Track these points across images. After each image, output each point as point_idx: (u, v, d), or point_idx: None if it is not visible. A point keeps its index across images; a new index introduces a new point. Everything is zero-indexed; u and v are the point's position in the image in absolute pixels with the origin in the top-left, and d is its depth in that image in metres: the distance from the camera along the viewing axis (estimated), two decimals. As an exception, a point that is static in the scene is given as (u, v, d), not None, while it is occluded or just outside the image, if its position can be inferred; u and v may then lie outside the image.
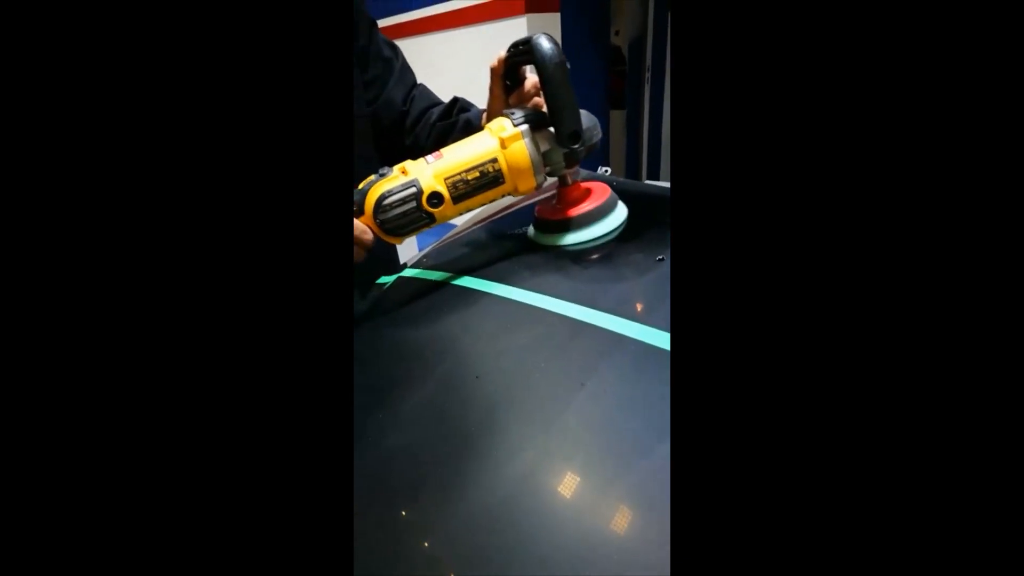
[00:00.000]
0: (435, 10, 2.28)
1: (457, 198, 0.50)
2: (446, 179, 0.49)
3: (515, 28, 2.01)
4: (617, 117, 2.82)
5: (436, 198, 0.49)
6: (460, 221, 0.68)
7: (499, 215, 0.70)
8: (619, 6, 2.60)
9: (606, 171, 0.79)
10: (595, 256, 0.51)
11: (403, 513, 0.32)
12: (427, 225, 0.51)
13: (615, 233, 0.52)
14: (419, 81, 0.80)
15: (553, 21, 2.06)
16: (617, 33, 2.65)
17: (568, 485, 0.31)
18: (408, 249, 0.80)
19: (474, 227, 0.68)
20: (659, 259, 0.47)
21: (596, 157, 0.60)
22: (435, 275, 0.57)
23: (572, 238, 0.52)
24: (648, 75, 2.61)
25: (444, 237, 0.70)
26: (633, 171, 2.84)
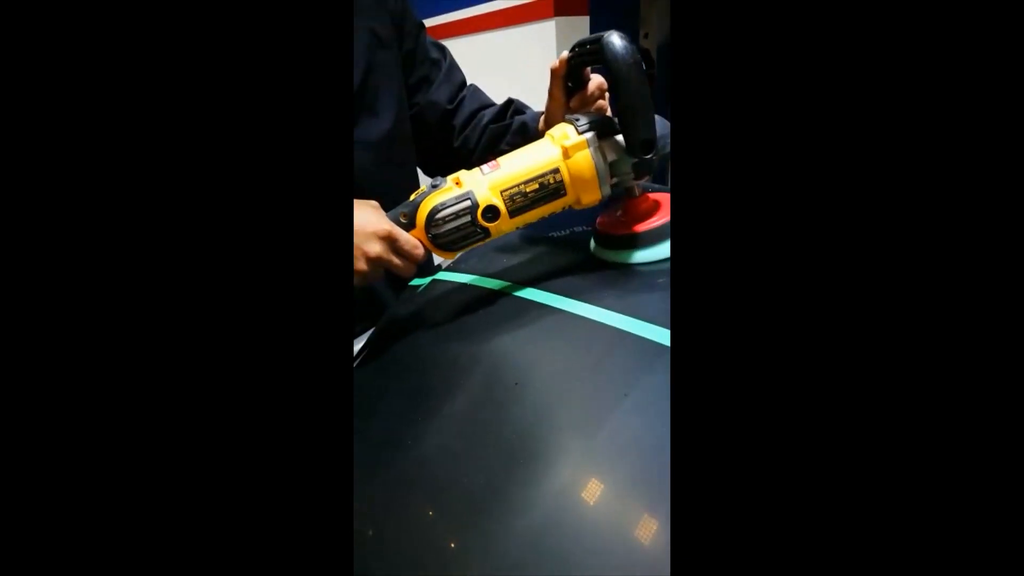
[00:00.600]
0: (462, 14, 2.25)
1: (514, 211, 0.45)
2: (503, 191, 0.44)
3: (544, 31, 1.97)
4: (644, 122, 2.76)
5: (492, 212, 0.44)
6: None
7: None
8: (648, 9, 2.54)
9: None
10: (648, 270, 0.47)
11: (430, 513, 0.32)
12: (481, 240, 0.46)
13: None
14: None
15: (582, 24, 2.01)
16: (646, 36, 2.60)
17: (609, 498, 0.29)
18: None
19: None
20: None
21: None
22: (470, 279, 0.54)
23: (640, 256, 0.47)
24: (677, 79, 2.56)
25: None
26: (660, 175, 2.78)
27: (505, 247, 0.60)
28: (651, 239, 0.47)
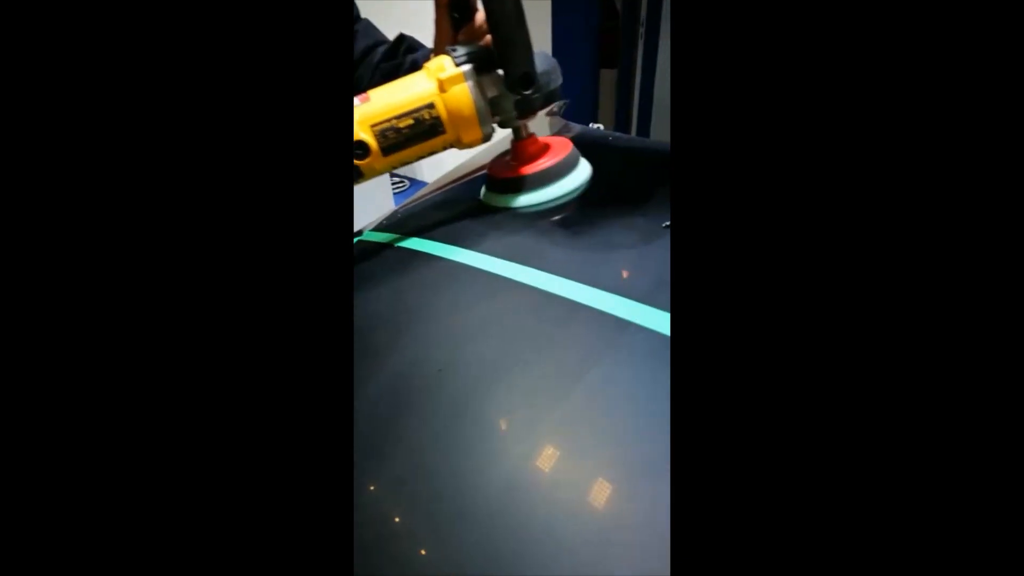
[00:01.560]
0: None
1: (387, 149, 0.42)
2: (373, 126, 0.41)
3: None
4: (608, 75, 2.70)
5: (361, 148, 0.41)
6: (432, 179, 0.59)
7: (480, 174, 0.62)
8: (614, -45, 2.45)
9: (598, 127, 0.71)
10: (592, 222, 0.42)
11: (371, 488, 0.27)
12: (354, 180, 0.43)
13: (574, 194, 0.45)
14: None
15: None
16: (611, -16, 2.50)
17: (564, 496, 0.25)
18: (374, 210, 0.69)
19: (448, 187, 0.60)
20: (665, 226, 0.38)
21: (585, 114, 0.52)
22: (398, 241, 0.48)
23: (525, 199, 0.45)
24: (642, 30, 2.48)
25: (412, 197, 0.62)
26: (622, 130, 2.73)
27: (445, 204, 0.55)
28: (537, 182, 0.45)
